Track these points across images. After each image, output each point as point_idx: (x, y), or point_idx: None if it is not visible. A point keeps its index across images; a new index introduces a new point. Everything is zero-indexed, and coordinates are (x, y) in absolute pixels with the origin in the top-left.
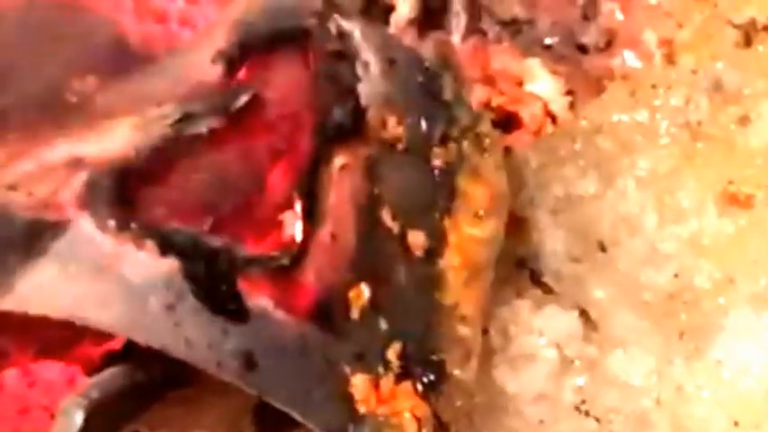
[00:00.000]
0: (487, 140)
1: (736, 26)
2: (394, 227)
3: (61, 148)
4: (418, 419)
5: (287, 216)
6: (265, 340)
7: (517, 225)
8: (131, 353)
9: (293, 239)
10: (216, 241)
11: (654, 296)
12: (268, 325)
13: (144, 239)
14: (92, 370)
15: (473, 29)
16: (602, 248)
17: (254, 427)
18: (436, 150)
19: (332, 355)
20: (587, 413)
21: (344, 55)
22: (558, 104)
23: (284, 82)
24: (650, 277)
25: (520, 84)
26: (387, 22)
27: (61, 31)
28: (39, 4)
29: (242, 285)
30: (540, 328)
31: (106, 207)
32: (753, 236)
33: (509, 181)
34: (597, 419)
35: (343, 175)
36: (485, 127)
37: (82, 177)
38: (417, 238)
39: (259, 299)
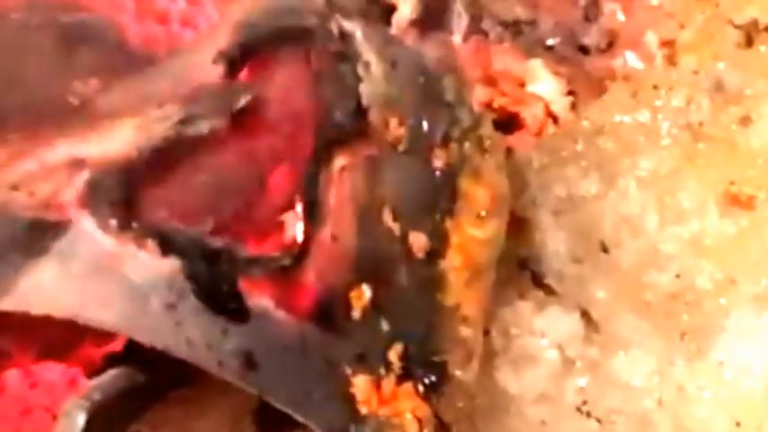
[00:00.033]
0: (489, 142)
1: (737, 27)
2: (395, 228)
3: (63, 149)
4: (419, 420)
5: (288, 217)
6: (266, 340)
7: (519, 226)
8: (132, 354)
9: (294, 240)
10: (217, 241)
11: (655, 297)
12: (269, 325)
13: (145, 239)
14: (93, 371)
15: (474, 29)
16: (604, 249)
17: (255, 427)
18: (437, 151)
19: (333, 356)
20: (589, 414)
21: (346, 56)
22: (560, 105)
23: (286, 83)
24: (652, 278)
25: (521, 84)
26: (388, 23)
27: (62, 32)
28: (40, 4)
29: (243, 285)
30: (542, 330)
31: (108, 207)
32: (754, 237)
33: (510, 182)
34: (599, 420)
35: (344, 176)
36: (486, 128)
37: (83, 177)
38: (418, 239)
39: (260, 299)
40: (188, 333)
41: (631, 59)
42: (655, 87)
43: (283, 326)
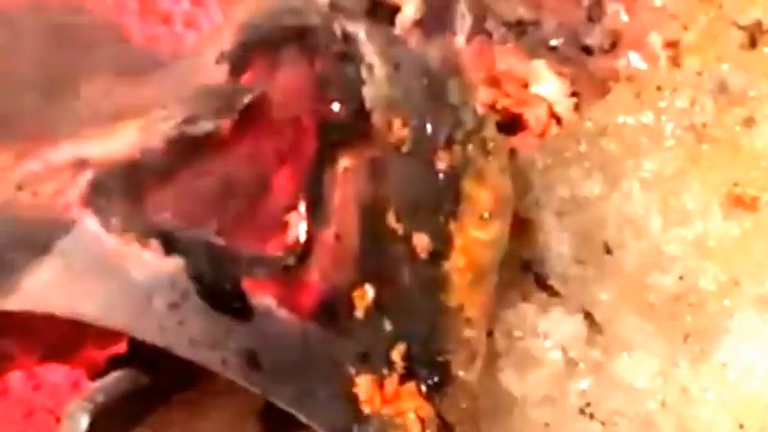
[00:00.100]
0: (492, 144)
1: (741, 28)
2: (398, 228)
3: (67, 149)
4: (422, 420)
5: (292, 217)
6: (269, 339)
7: (522, 227)
8: (136, 356)
9: (297, 240)
10: (220, 241)
11: (659, 298)
12: (272, 324)
13: (149, 239)
14: (96, 374)
15: (478, 30)
16: (608, 251)
17: (259, 430)
18: (441, 153)
19: (336, 355)
20: (592, 416)
21: (349, 57)
22: (563, 106)
23: (289, 83)
24: (655, 279)
25: (525, 85)
26: (392, 24)
27: (66, 33)
28: (44, 5)
29: (246, 284)
30: (545, 331)
31: (111, 206)
32: (758, 238)
33: (514, 183)
34: (602, 422)
35: (347, 177)
36: (489, 130)
37: (87, 177)
38: (422, 240)
39: (263, 298)
40: (191, 332)
41: (635, 60)
42: (658, 88)
43: (286, 325)
